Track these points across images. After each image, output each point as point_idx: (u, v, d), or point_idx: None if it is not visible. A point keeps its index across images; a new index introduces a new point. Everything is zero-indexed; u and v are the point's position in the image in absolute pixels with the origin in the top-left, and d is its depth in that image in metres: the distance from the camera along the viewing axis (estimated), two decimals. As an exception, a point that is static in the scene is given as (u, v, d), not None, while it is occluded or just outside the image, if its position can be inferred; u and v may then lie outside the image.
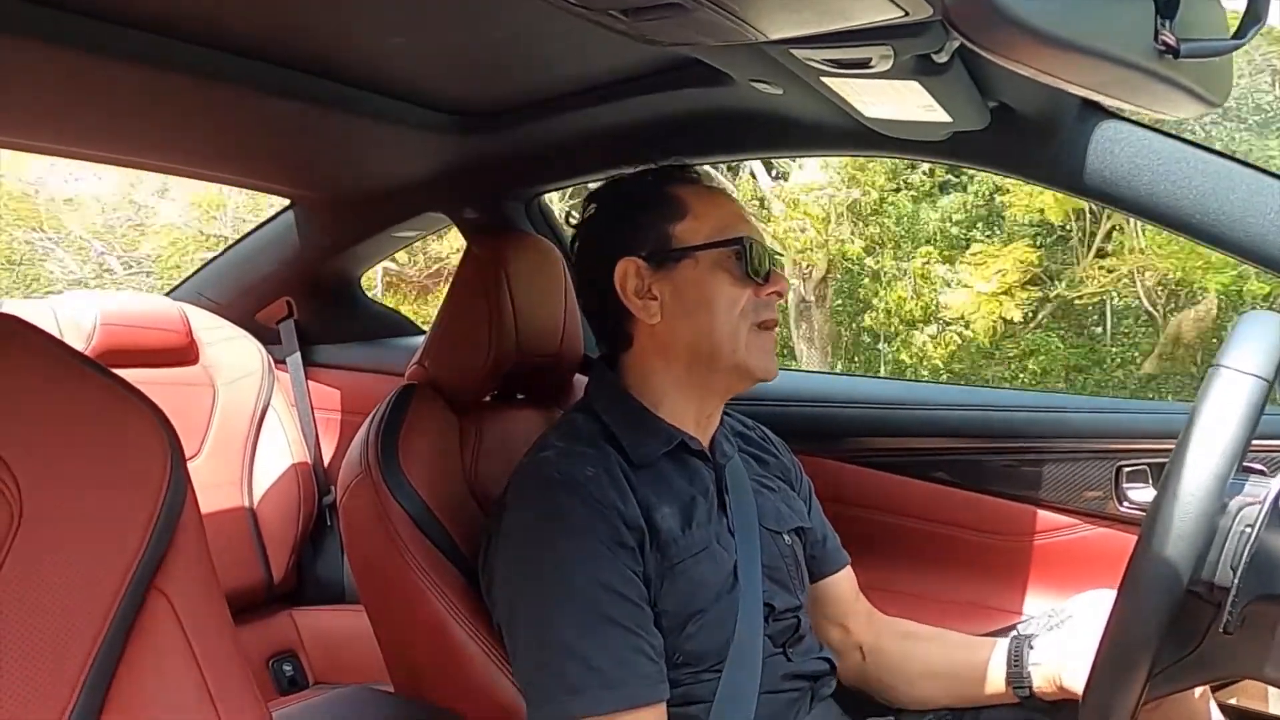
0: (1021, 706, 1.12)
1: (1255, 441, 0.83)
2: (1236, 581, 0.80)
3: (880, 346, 8.47)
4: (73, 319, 1.82)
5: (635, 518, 0.99)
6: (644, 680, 0.93)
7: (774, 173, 8.35)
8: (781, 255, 1.15)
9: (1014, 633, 1.17)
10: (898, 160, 7.10)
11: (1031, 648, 1.12)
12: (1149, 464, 1.41)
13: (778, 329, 1.13)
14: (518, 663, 0.99)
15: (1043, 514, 1.49)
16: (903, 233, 8.25)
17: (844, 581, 1.25)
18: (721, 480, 1.11)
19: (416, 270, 8.31)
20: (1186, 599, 0.82)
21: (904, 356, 8.19)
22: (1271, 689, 1.29)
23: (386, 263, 7.44)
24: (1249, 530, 0.81)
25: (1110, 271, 7.63)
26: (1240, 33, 0.77)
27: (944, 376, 7.95)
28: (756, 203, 8.17)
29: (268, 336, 2.13)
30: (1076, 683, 1.00)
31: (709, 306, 1.05)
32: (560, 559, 0.95)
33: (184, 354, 1.95)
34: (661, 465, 1.06)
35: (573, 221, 1.17)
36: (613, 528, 0.96)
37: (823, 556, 1.22)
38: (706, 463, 1.10)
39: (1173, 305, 7.64)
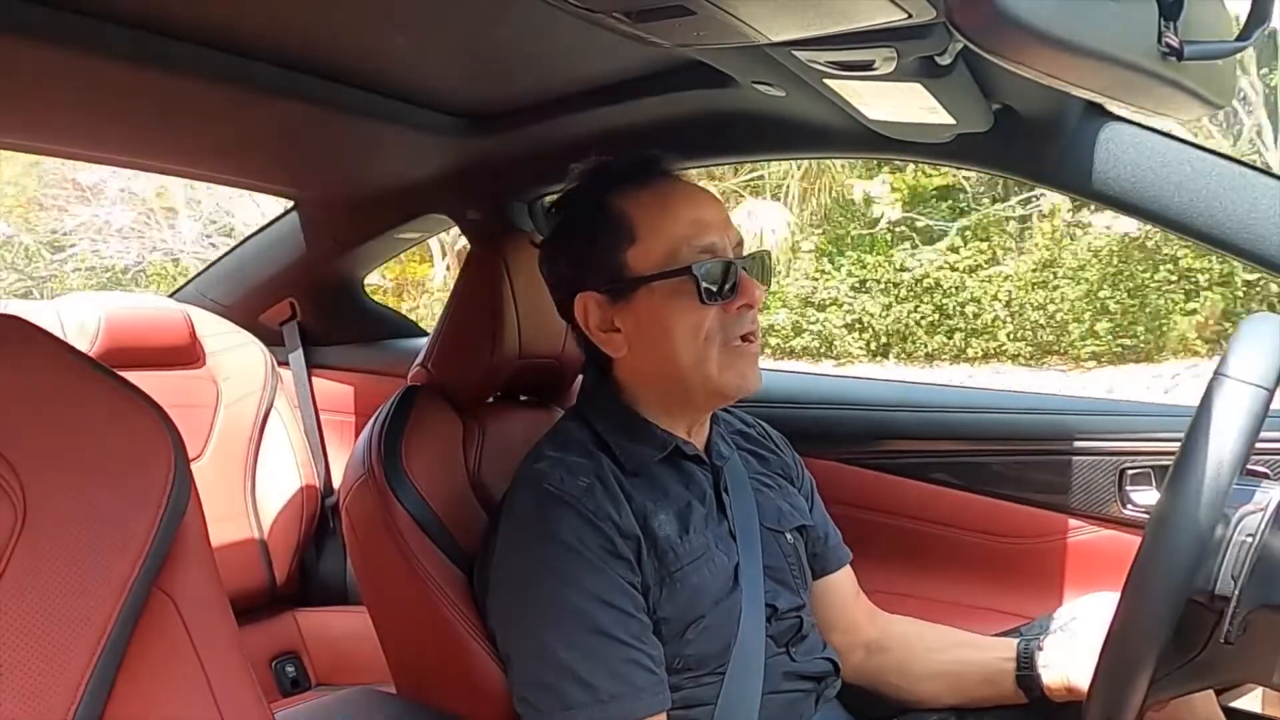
0: (1027, 708, 1.12)
1: (1261, 443, 0.83)
2: (1238, 590, 0.80)
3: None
4: (77, 320, 1.82)
5: (631, 527, 0.98)
6: (640, 693, 0.92)
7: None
8: (754, 255, 1.08)
9: (1021, 634, 1.16)
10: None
11: (1041, 648, 1.11)
12: (1152, 466, 1.41)
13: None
14: (513, 677, 0.98)
15: (1045, 516, 1.48)
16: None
17: (846, 579, 1.25)
18: (720, 481, 1.10)
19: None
20: (1189, 607, 0.82)
21: None
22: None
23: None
24: (1250, 539, 0.81)
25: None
26: (1244, 34, 0.77)
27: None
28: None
29: (271, 338, 2.13)
30: (1086, 683, 1.00)
31: (670, 335, 1.00)
32: (554, 574, 0.94)
33: (187, 355, 1.95)
34: (657, 471, 1.05)
35: None
36: (607, 539, 0.95)
37: (824, 554, 1.22)
38: (703, 466, 1.09)
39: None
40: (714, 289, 0.99)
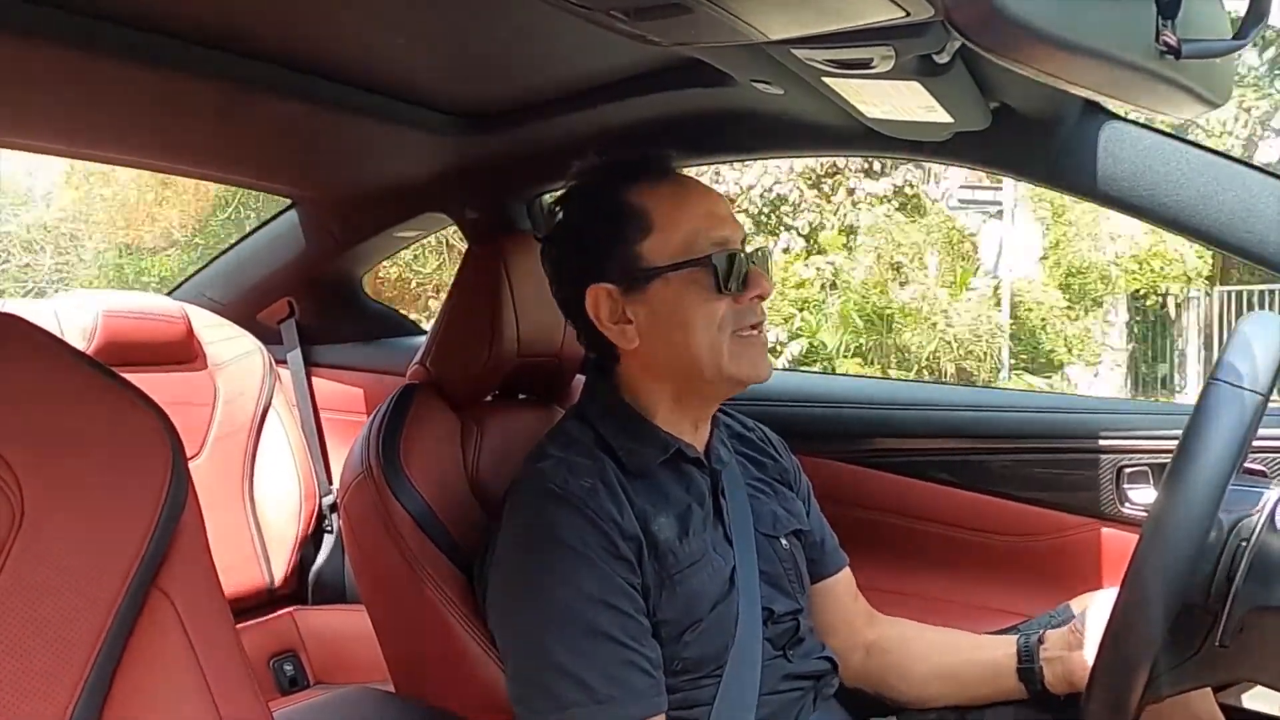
0: (1025, 706, 1.12)
1: (1259, 441, 0.83)
2: (1234, 592, 0.80)
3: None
4: (74, 318, 1.82)
5: (632, 529, 0.98)
6: (638, 696, 0.92)
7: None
8: (759, 250, 1.07)
9: (1020, 631, 1.16)
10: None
11: (1042, 642, 1.11)
12: (1150, 464, 1.41)
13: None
14: (510, 676, 0.98)
15: (1043, 515, 1.48)
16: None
17: (843, 583, 1.24)
18: (718, 486, 1.10)
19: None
20: (1185, 611, 0.82)
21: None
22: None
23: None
24: (1245, 542, 0.81)
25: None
26: (1242, 33, 0.77)
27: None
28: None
29: (269, 336, 2.13)
30: (1087, 674, 1.00)
31: (686, 325, 1.02)
32: (555, 574, 0.95)
33: (185, 353, 1.95)
34: (658, 473, 1.05)
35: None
36: (609, 541, 0.96)
37: (821, 559, 1.22)
38: (702, 469, 1.10)
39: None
40: (729, 279, 1.02)
